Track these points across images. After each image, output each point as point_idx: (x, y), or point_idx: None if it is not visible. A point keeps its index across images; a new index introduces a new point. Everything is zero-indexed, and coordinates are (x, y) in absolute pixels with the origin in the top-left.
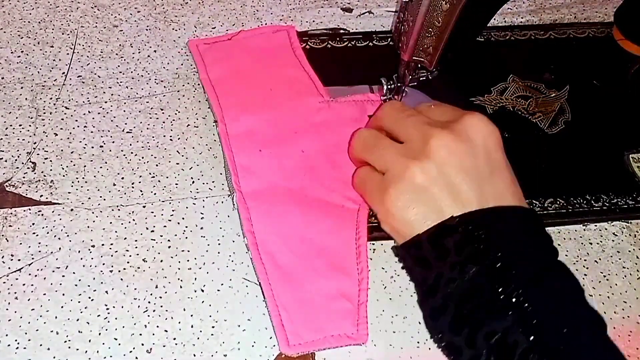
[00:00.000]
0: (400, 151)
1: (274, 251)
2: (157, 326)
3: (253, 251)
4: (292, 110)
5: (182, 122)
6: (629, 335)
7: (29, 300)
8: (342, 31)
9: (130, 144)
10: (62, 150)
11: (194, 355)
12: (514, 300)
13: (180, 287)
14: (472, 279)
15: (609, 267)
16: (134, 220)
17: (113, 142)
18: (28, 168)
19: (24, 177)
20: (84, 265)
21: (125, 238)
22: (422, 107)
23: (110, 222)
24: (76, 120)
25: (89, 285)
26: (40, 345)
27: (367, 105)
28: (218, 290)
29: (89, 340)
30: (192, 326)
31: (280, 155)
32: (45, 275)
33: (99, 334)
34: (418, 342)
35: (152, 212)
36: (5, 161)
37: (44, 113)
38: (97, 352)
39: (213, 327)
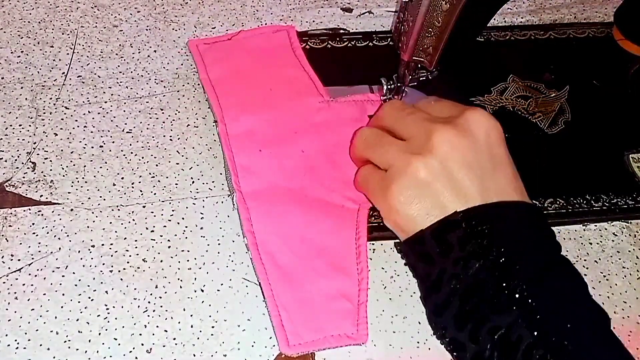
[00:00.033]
0: (402, 148)
1: (274, 251)
2: (157, 326)
3: (253, 251)
4: (292, 110)
5: (182, 122)
6: (629, 335)
7: (29, 300)
8: (342, 31)
9: (130, 144)
10: (62, 150)
11: (194, 355)
12: (517, 295)
13: (180, 287)
14: (476, 275)
15: (609, 267)
16: (134, 220)
17: (113, 142)
18: (28, 168)
19: (24, 177)
20: (84, 265)
21: (125, 238)
22: (422, 103)
23: (110, 222)
24: (76, 120)
25: (89, 285)
26: (40, 345)
27: (367, 105)
28: (218, 290)
29: (89, 340)
30: (192, 326)
31: (280, 155)
32: (45, 275)
33: (99, 334)
34: (418, 342)
35: (152, 212)
36: (5, 161)
37: (44, 113)
38: (97, 352)
39: (213, 327)
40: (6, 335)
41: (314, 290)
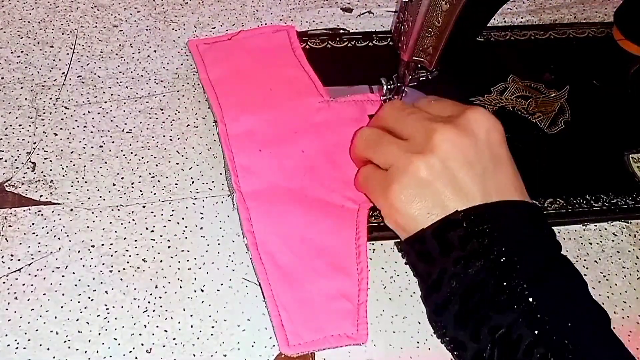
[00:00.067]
0: (403, 147)
1: (273, 251)
2: (157, 326)
3: (253, 251)
4: (292, 110)
5: (182, 122)
6: (629, 335)
7: (28, 300)
8: (342, 31)
9: (130, 144)
10: (62, 150)
11: (194, 355)
12: (518, 294)
13: (180, 287)
14: (477, 274)
15: (608, 267)
16: (133, 220)
17: (113, 142)
18: (28, 168)
19: (23, 177)
20: (83, 265)
21: (125, 238)
22: (422, 103)
23: (110, 222)
24: (76, 120)
25: (88, 285)
26: (40, 345)
27: (367, 105)
28: (218, 290)
29: (89, 340)
30: (192, 326)
31: (280, 155)
32: (45, 275)
33: (99, 334)
34: (418, 342)
35: (152, 212)
36: (5, 161)
37: (44, 113)
38: (97, 352)
39: (213, 327)
40: (6, 335)
41: (314, 290)
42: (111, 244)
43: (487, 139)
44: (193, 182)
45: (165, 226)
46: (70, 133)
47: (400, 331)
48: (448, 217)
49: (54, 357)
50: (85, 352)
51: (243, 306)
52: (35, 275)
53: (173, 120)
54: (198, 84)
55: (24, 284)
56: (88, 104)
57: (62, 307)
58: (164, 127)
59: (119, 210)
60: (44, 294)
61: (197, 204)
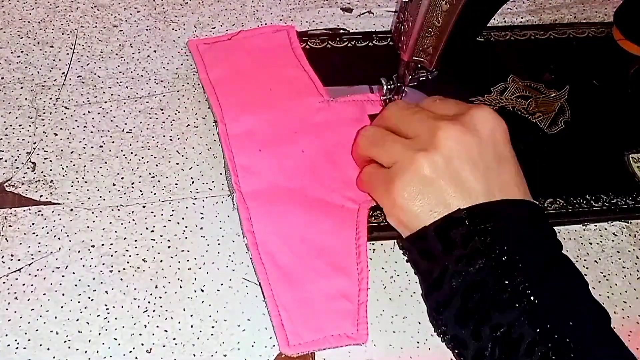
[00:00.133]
0: (407, 145)
1: (274, 251)
2: (157, 326)
3: (253, 251)
4: (292, 110)
5: (182, 122)
6: (629, 335)
7: (29, 300)
8: (342, 31)
9: (130, 144)
10: (62, 150)
11: (194, 355)
12: (520, 293)
13: (180, 287)
14: (478, 272)
15: (609, 267)
16: (133, 220)
17: (113, 142)
18: (28, 168)
19: (24, 177)
20: (84, 265)
21: (125, 238)
22: (426, 102)
23: (110, 222)
24: (76, 120)
25: (89, 285)
26: (40, 345)
27: (367, 105)
28: (218, 290)
29: (89, 340)
30: (192, 326)
31: (280, 155)
32: (45, 275)
33: (99, 334)
34: (418, 342)
35: (152, 212)
36: (5, 161)
37: (44, 113)
38: (97, 352)
39: (213, 327)
40: (6, 335)
41: (314, 290)
42: (111, 244)
43: (491, 137)
44: (193, 182)
45: (165, 226)
46: (70, 133)
47: (400, 331)
48: (451, 215)
49: (54, 357)
50: (85, 352)
51: (243, 306)
52: (35, 275)
53: (173, 120)
54: (198, 84)
55: (24, 284)
56: (88, 104)
57: (62, 307)
58: (164, 127)
59: (119, 210)
60: (44, 294)
61: (197, 204)
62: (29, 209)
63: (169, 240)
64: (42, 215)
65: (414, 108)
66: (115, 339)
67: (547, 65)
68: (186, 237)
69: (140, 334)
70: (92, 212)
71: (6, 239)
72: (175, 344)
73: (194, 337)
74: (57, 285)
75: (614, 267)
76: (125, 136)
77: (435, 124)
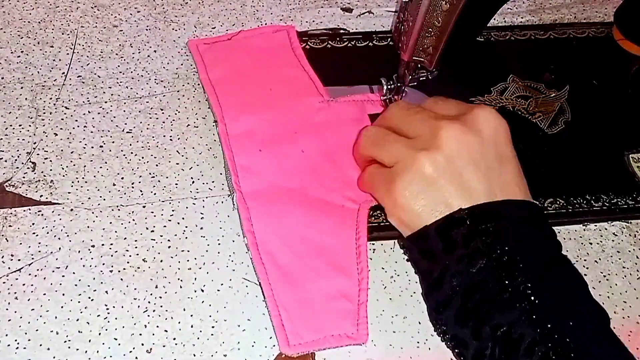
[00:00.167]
0: (409, 144)
1: (274, 251)
2: (157, 326)
3: (253, 251)
4: (292, 110)
5: (182, 122)
6: (629, 335)
7: (29, 300)
8: (342, 31)
9: (130, 144)
10: (62, 150)
11: (194, 355)
12: (520, 293)
13: (180, 287)
14: (479, 272)
15: (609, 267)
16: (134, 220)
17: (113, 142)
18: (28, 168)
19: (24, 177)
20: (84, 265)
21: (125, 238)
22: (428, 103)
23: (110, 222)
24: (76, 120)
25: (89, 285)
26: (40, 345)
27: (367, 105)
28: (218, 290)
29: (89, 340)
30: (192, 326)
31: (280, 155)
32: (45, 275)
33: (99, 334)
34: (418, 342)
35: (152, 212)
36: (5, 161)
37: (44, 113)
38: (97, 352)
39: (213, 327)
40: (6, 335)
41: (314, 290)
42: (111, 244)
43: (494, 137)
44: (193, 182)
45: (165, 226)
46: (70, 133)
47: (400, 331)
48: (452, 214)
49: (54, 357)
50: (85, 352)
51: (243, 306)
52: (36, 275)
53: (173, 120)
54: (198, 84)
55: (24, 284)
56: (88, 104)
57: (62, 307)
58: (164, 127)
59: (119, 210)
60: (44, 294)
61: (197, 204)
62: (29, 209)
63: (169, 240)
64: (42, 215)
65: (416, 108)
66: (115, 339)
67: (547, 65)
68: (186, 237)
69: (140, 334)
70: (92, 212)
71: (6, 239)
72: (175, 344)
73: (194, 337)
74: (57, 285)
75: (614, 267)
76: (125, 136)
77: (437, 123)
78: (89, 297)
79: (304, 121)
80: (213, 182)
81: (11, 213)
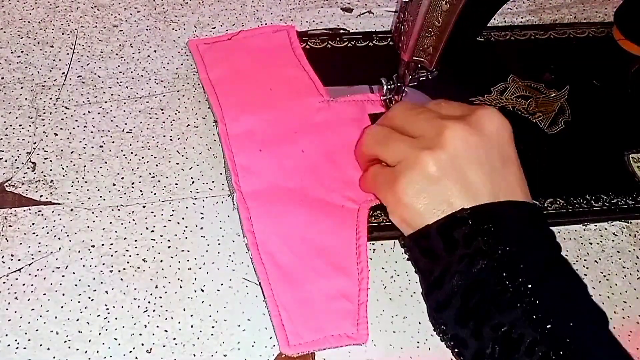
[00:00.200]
0: (412, 143)
1: (274, 251)
2: (157, 326)
3: (253, 251)
4: (292, 110)
5: (182, 122)
6: (629, 335)
7: (29, 300)
8: (342, 31)
9: (130, 144)
10: (62, 150)
11: (194, 355)
12: (521, 294)
13: (180, 287)
14: (480, 272)
15: (609, 267)
16: (134, 220)
17: (113, 142)
18: (28, 168)
19: (24, 177)
20: (84, 265)
21: (125, 238)
22: (431, 104)
23: (110, 222)
24: (76, 120)
25: (89, 285)
26: (40, 345)
27: (367, 105)
28: (218, 290)
29: (89, 340)
30: (192, 326)
31: (280, 155)
32: (45, 275)
33: (99, 334)
34: (418, 342)
35: (152, 212)
36: (5, 161)
37: (44, 113)
38: (97, 352)
39: (213, 327)
40: (6, 335)
41: (314, 290)
42: (111, 244)
43: (498, 138)
44: (193, 182)
45: (165, 226)
46: (70, 133)
47: (400, 331)
48: (454, 214)
49: (54, 357)
50: (85, 352)
51: (243, 306)
52: (36, 275)
53: (173, 120)
54: (198, 84)
55: (24, 284)
56: (88, 104)
57: (62, 307)
58: (164, 127)
59: (119, 210)
60: (44, 294)
61: (197, 204)
62: (29, 209)
63: (169, 240)
64: (42, 215)
65: (420, 108)
66: (115, 339)
67: (547, 65)
68: (186, 237)
69: (140, 334)
70: (92, 212)
71: (6, 239)
72: (175, 344)
73: (194, 337)
74: (57, 285)
75: (614, 267)
76: (125, 136)
77: (442, 123)
78: (89, 297)
79: (304, 121)
80: (213, 182)
81: (11, 213)
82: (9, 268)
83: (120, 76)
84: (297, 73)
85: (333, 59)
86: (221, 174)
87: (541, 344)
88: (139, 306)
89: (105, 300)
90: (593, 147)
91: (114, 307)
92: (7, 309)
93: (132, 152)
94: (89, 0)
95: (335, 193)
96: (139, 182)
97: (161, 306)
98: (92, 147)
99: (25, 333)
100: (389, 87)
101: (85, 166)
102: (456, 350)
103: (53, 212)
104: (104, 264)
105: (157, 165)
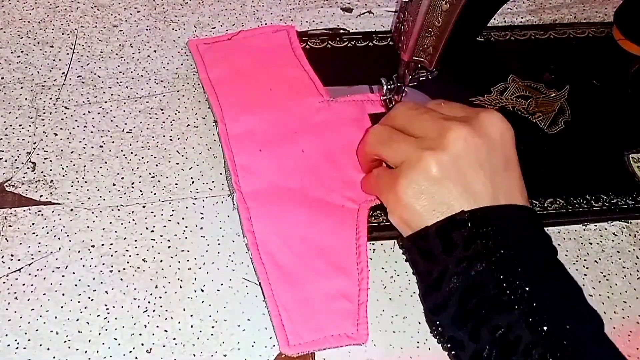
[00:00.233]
0: (415, 143)
1: (274, 251)
2: (157, 326)
3: (253, 251)
4: (292, 110)
5: (182, 122)
6: (629, 335)
7: (29, 300)
8: (342, 31)
9: (130, 144)
10: (62, 150)
11: (194, 355)
12: (519, 296)
13: (180, 287)
14: (479, 275)
15: (609, 267)
16: (134, 220)
17: (113, 142)
18: (28, 168)
19: (24, 177)
20: (84, 265)
21: (125, 238)
22: (432, 105)
23: (110, 222)
24: (76, 120)
25: (89, 285)
26: (40, 345)
27: (367, 105)
28: (218, 290)
29: (89, 340)
30: (192, 326)
31: (280, 155)
32: (45, 275)
33: (99, 334)
34: (418, 342)
35: (152, 212)
36: (5, 161)
37: (44, 113)
38: (97, 352)
39: (213, 327)
40: (6, 335)
41: (314, 290)
42: (111, 244)
43: (500, 142)
44: (193, 182)
45: (165, 226)
46: (70, 133)
47: (400, 331)
48: (454, 216)
49: (54, 357)
50: (85, 352)
51: (243, 306)
52: (35, 275)
53: (173, 120)
54: (198, 84)
55: (24, 284)
56: (88, 104)
57: (62, 307)
58: (164, 127)
59: (119, 210)
60: (44, 294)
61: (197, 204)
62: (29, 209)
63: (169, 240)
64: (42, 215)
65: (423, 108)
66: (115, 339)
67: (547, 65)
68: (186, 237)
69: (140, 334)
70: (92, 212)
71: (6, 239)
72: (175, 344)
73: (194, 337)
74: (57, 285)
75: (614, 267)
76: (125, 136)
77: (445, 124)
78: (89, 297)
79: (304, 121)
80: (213, 182)
81: (11, 213)
82: (9, 268)
83: (120, 76)
84: (297, 73)
85: (333, 59)
86: (221, 174)
87: (538, 346)
88: (139, 306)
89: (105, 300)
90: (593, 147)
91: (114, 307)
92: (7, 309)
93: (132, 152)
94: (89, 0)
95: (335, 193)
96: (139, 182)
97: (161, 306)
98: (92, 147)
99: (25, 333)
100: (389, 87)
101: (85, 166)
102: (453, 352)
103: (53, 212)
104: (104, 264)
105: (157, 165)
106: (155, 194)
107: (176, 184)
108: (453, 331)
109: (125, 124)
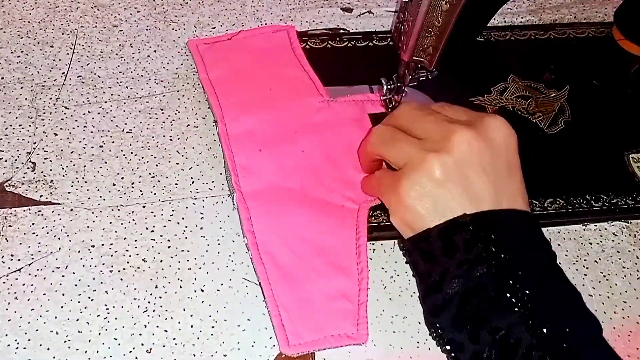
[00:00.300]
0: (419, 145)
1: (274, 251)
2: (157, 326)
3: (253, 251)
4: (292, 110)
5: (182, 122)
6: (629, 335)
7: (29, 300)
8: (342, 31)
9: (130, 144)
10: (62, 150)
11: (194, 355)
12: (519, 299)
13: (180, 287)
14: (479, 278)
15: (609, 267)
16: (133, 220)
17: (113, 142)
18: (28, 168)
19: (24, 177)
20: (84, 265)
21: (125, 238)
22: (436, 107)
23: (110, 222)
24: (76, 120)
25: (89, 285)
26: (40, 345)
27: (367, 105)
28: (218, 290)
29: (89, 340)
30: (192, 326)
31: (280, 155)
32: (45, 275)
33: (99, 334)
34: (418, 342)
35: (152, 212)
36: (5, 161)
37: (44, 113)
38: (97, 352)
39: (213, 327)
40: (6, 335)
41: (314, 290)
42: (111, 244)
43: (504, 147)
44: (193, 182)
45: (165, 226)
46: (70, 133)
47: (400, 331)
48: (456, 219)
49: (54, 357)
50: (85, 352)
51: (243, 306)
52: (35, 275)
53: (173, 120)
54: (198, 84)
55: (24, 284)
56: (88, 104)
57: (62, 307)
58: (164, 127)
59: (119, 210)
60: (44, 294)
61: (197, 204)
62: (29, 209)
63: (169, 240)
64: (42, 215)
65: (427, 109)
66: (115, 339)
67: (547, 65)
68: (186, 237)
69: (140, 334)
70: (92, 212)
71: (6, 239)
72: (175, 344)
73: (194, 337)
74: (57, 285)
75: (614, 267)
76: (125, 136)
77: (450, 126)
78: (89, 297)
79: (304, 121)
80: (213, 182)
81: (11, 213)
82: (9, 268)
83: (120, 76)
84: (297, 73)
85: (333, 59)
86: (221, 174)
87: (538, 349)
88: (139, 306)
89: (105, 300)
90: (593, 147)
91: (114, 307)
92: (7, 309)
93: (132, 152)
94: (89, 0)
95: (335, 193)
96: (139, 182)
97: (161, 306)
98: (92, 147)
99: (25, 333)
100: (389, 87)
101: (85, 166)
102: (452, 354)
103: (53, 212)
104: (104, 264)
105: (157, 165)
106: (155, 194)
107: (176, 184)
108: (453, 333)
109: (125, 124)
